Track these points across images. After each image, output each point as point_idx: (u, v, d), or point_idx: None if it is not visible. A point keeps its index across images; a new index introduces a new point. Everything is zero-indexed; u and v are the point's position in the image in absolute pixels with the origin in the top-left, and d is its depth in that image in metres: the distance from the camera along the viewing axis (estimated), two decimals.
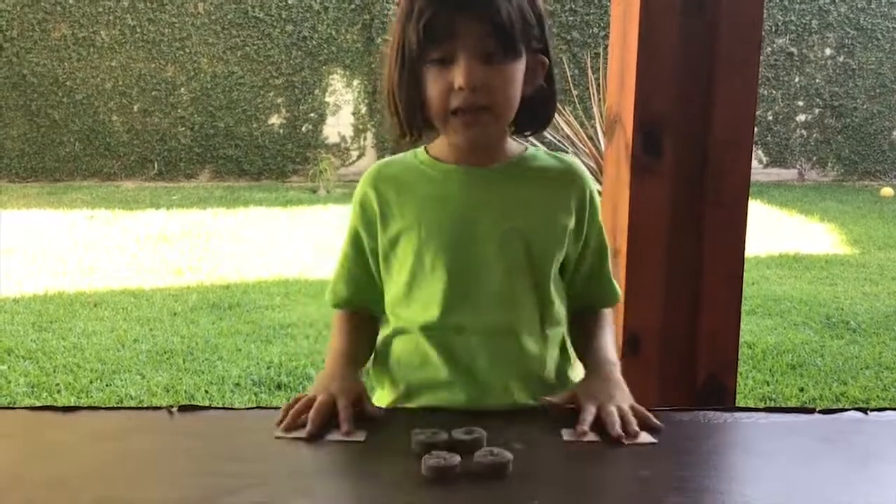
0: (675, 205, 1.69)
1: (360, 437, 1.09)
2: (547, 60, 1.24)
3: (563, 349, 1.31)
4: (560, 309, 1.29)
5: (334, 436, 1.08)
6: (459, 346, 1.23)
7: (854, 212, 8.33)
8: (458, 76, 1.14)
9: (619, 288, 1.38)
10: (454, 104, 1.16)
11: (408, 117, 1.22)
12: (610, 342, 1.31)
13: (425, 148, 1.29)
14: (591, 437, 1.09)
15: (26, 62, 9.38)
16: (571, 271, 1.30)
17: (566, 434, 1.10)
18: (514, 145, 1.29)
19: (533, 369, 1.26)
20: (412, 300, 1.26)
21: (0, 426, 1.17)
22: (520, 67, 1.19)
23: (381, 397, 1.32)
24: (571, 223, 1.25)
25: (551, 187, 1.26)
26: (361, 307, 1.34)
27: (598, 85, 5.77)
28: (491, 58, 1.16)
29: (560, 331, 1.29)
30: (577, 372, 1.35)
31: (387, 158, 1.32)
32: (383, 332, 1.32)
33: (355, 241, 1.31)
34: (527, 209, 1.24)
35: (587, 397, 1.16)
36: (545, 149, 1.34)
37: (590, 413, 1.12)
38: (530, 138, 1.35)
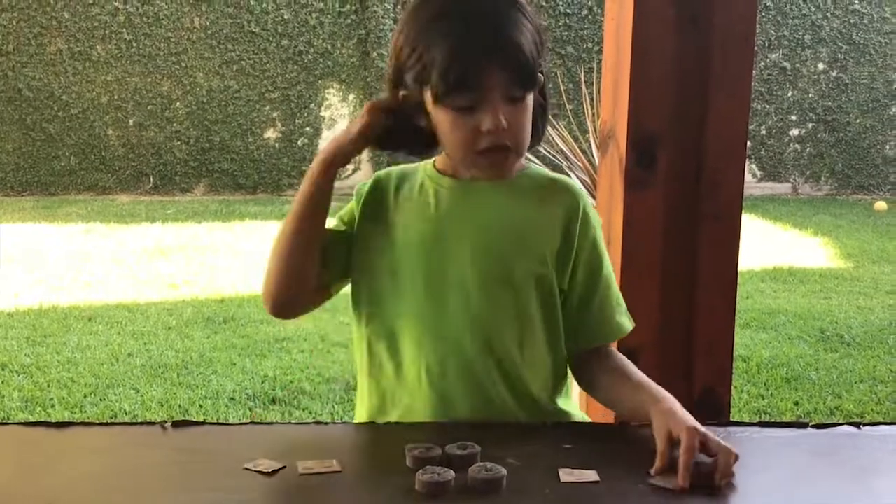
0: (669, 218, 1.69)
1: (336, 467, 1.06)
2: (542, 76, 1.25)
3: (555, 375, 1.28)
4: (545, 331, 1.25)
5: (308, 467, 1.05)
6: (433, 360, 1.22)
7: (848, 226, 8.35)
8: (488, 121, 1.15)
9: (627, 320, 1.30)
10: (482, 146, 1.17)
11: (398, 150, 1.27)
12: (644, 377, 1.24)
13: (433, 162, 1.30)
14: (593, 476, 1.04)
15: (22, 76, 9.38)
16: (566, 296, 1.26)
17: (563, 474, 1.04)
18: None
19: (511, 390, 1.23)
20: (386, 310, 1.25)
21: None
22: (531, 100, 1.20)
23: (360, 411, 1.31)
24: (558, 243, 1.24)
25: (540, 205, 1.25)
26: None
27: (592, 99, 5.79)
28: (515, 99, 1.17)
29: (544, 355, 1.26)
30: (571, 403, 1.33)
31: (399, 166, 1.33)
32: (362, 344, 1.30)
33: (339, 217, 1.32)
34: (510, 227, 1.24)
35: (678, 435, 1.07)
36: (544, 168, 1.34)
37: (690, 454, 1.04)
38: (530, 156, 1.35)
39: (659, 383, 1.74)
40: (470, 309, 1.22)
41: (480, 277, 1.22)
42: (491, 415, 1.22)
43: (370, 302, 1.27)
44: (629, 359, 1.64)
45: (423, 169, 1.30)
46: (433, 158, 1.30)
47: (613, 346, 1.33)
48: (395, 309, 1.25)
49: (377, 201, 1.29)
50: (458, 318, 1.22)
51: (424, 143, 1.25)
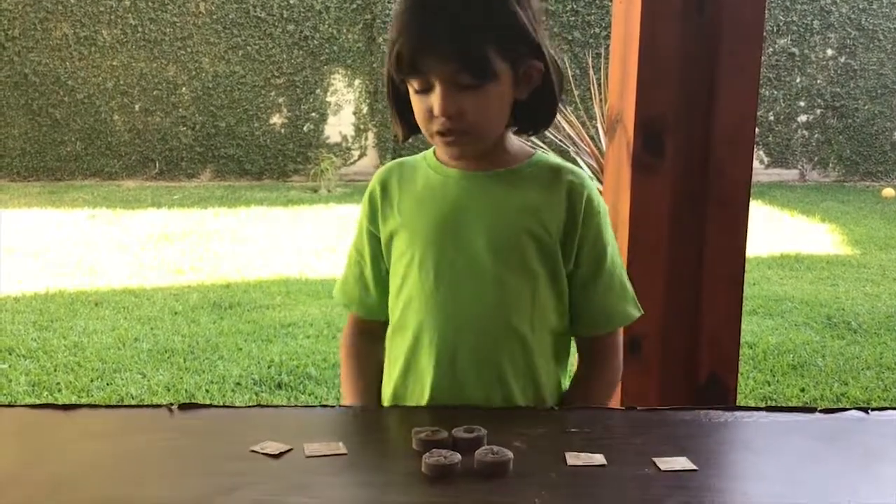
0: (676, 204, 1.69)
1: (342, 450, 1.06)
2: (542, 65, 1.23)
3: (557, 357, 1.30)
4: (554, 317, 1.27)
5: (314, 450, 1.06)
6: (447, 346, 1.24)
7: (855, 212, 8.32)
8: (435, 105, 1.18)
9: (633, 308, 1.30)
10: (435, 128, 1.20)
11: (398, 123, 1.29)
12: (598, 393, 1.30)
13: (434, 150, 1.31)
14: (600, 460, 1.04)
15: (28, 61, 9.37)
16: (569, 283, 1.27)
17: (570, 458, 1.04)
18: (519, 150, 1.29)
19: (522, 373, 1.25)
20: (403, 298, 1.28)
21: (0, 424, 1.18)
22: (499, 87, 1.19)
23: (383, 392, 1.33)
24: (562, 229, 1.24)
25: (545, 193, 1.25)
26: (373, 309, 1.35)
27: (600, 85, 5.77)
28: (469, 86, 1.17)
29: (552, 339, 1.28)
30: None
31: (399, 160, 1.35)
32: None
33: (365, 239, 1.33)
34: (519, 214, 1.24)
35: None
36: (552, 154, 1.34)
37: None
38: (537, 141, 1.36)
39: (664, 370, 1.74)
40: (485, 297, 1.23)
41: (495, 265, 1.23)
42: (499, 400, 1.24)
43: (391, 296, 1.30)
44: (635, 345, 1.64)
45: (424, 160, 1.31)
46: (431, 149, 1.31)
47: (614, 352, 1.33)
48: (409, 300, 1.26)
49: (384, 198, 1.30)
50: (473, 307, 1.23)
51: None
